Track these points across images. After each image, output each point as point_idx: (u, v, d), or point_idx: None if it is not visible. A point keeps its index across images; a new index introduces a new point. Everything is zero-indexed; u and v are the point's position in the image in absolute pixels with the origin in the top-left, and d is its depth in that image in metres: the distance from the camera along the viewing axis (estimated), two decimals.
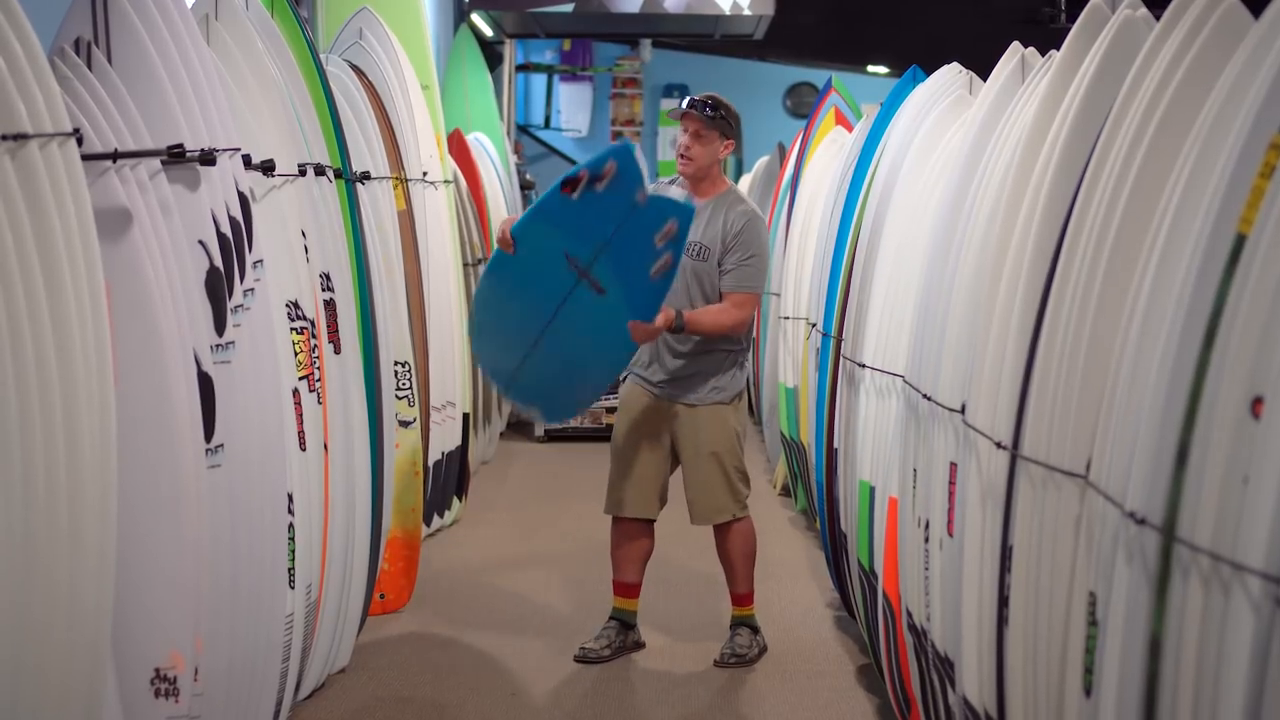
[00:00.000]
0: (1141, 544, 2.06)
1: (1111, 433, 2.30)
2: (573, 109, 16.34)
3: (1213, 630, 1.88)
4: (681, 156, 4.63)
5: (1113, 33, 2.69)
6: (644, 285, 4.32)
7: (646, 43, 15.59)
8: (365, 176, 5.03)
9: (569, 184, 4.30)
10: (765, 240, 4.69)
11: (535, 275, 4.41)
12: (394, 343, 5.08)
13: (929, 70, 4.47)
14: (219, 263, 3.12)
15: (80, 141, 2.54)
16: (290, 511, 3.58)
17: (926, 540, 3.32)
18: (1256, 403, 1.85)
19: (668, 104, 16.37)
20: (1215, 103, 2.17)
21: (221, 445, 3.07)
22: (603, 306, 4.38)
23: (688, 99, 4.72)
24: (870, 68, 16.60)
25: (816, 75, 17.24)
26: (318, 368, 3.89)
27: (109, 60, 2.94)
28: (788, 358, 7.04)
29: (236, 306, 3.18)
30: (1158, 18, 2.55)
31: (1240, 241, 1.92)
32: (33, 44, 2.40)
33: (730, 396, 4.68)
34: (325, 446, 3.95)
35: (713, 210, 4.64)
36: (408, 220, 5.70)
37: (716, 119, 4.61)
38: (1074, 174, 2.65)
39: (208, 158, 3.06)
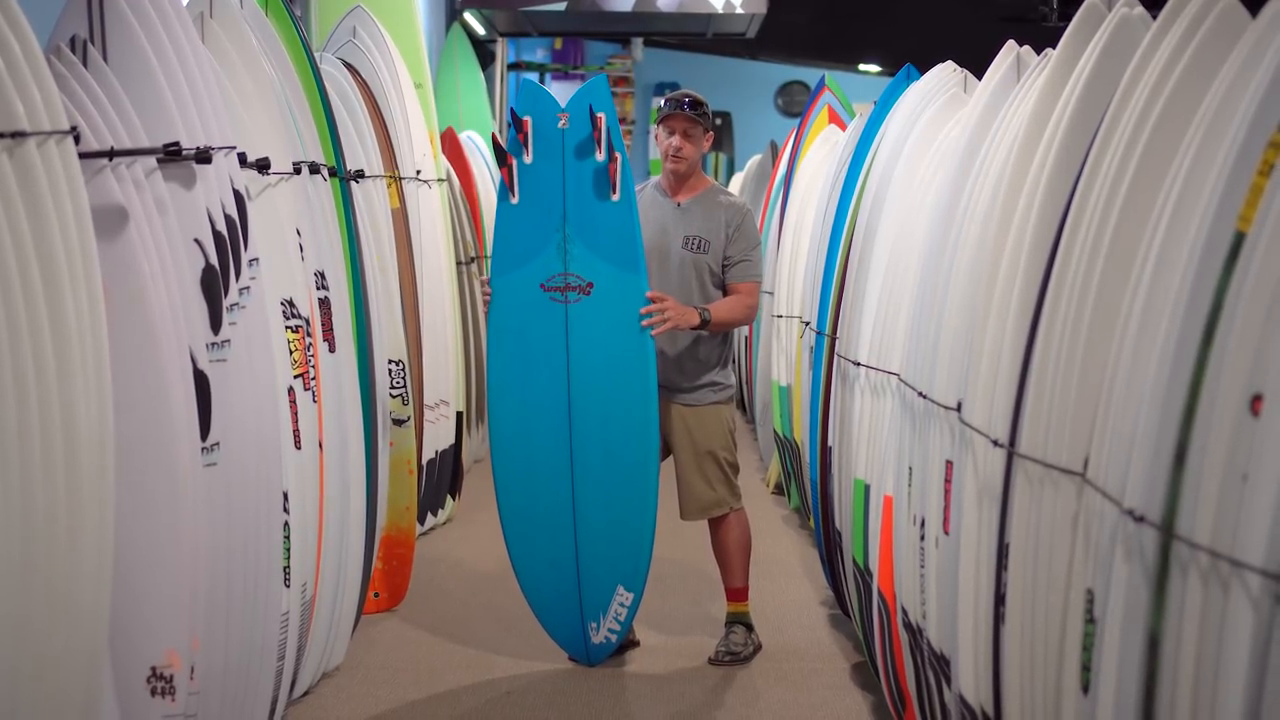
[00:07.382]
0: (1140, 541, 2.07)
1: (1109, 430, 2.31)
2: None
3: (1212, 627, 1.89)
4: (674, 157, 4.68)
5: (1109, 30, 2.69)
6: (616, 226, 4.44)
7: (638, 41, 15.57)
8: (359, 175, 5.03)
9: (503, 164, 4.45)
10: (759, 231, 4.82)
11: (530, 329, 4.50)
12: (388, 341, 5.08)
13: (921, 70, 4.47)
14: (214, 261, 3.12)
15: (77, 139, 2.54)
16: (285, 510, 3.58)
17: (922, 538, 3.33)
18: (1255, 400, 1.85)
19: (659, 103, 16.38)
20: (1213, 100, 2.18)
21: (217, 444, 3.07)
22: (601, 303, 4.44)
23: (669, 99, 4.80)
24: (862, 66, 16.63)
25: (808, 74, 17.26)
26: (313, 366, 3.89)
27: (105, 58, 2.93)
28: (781, 356, 7.04)
29: (232, 305, 3.18)
30: (1154, 16, 2.55)
31: (1239, 239, 1.93)
32: (30, 42, 2.39)
33: (727, 396, 4.75)
34: (320, 445, 3.95)
35: (702, 204, 4.73)
36: (401, 218, 5.70)
37: (700, 115, 4.70)
38: (1071, 171, 2.65)
39: (203, 156, 3.05)
